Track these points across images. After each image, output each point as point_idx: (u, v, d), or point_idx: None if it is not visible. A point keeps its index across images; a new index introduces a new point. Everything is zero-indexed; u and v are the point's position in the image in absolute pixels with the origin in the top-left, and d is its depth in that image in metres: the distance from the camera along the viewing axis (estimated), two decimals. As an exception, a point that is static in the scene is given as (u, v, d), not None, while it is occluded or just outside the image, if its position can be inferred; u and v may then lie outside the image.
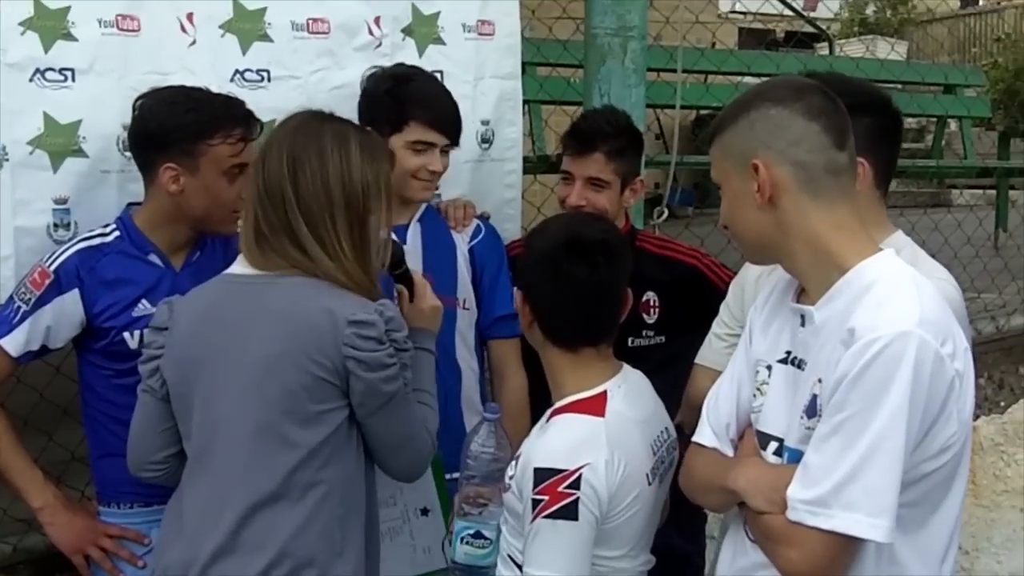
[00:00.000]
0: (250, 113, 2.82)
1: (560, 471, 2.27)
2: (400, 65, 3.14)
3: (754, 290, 2.59)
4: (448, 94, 3.08)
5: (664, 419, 2.53)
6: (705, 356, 2.79)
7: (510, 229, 3.56)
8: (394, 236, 3.05)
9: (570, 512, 2.25)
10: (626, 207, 3.28)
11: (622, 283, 2.48)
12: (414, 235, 3.10)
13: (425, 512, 2.91)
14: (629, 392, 2.45)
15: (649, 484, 2.39)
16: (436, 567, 2.87)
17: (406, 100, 2.98)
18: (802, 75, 2.35)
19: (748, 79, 6.09)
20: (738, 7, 14.02)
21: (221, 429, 2.39)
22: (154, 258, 2.82)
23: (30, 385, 3.17)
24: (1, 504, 3.36)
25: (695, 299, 3.17)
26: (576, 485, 2.26)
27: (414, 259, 3.05)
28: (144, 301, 2.77)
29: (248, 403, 2.36)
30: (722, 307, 2.81)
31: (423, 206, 3.14)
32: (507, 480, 2.42)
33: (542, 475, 2.27)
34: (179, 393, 2.45)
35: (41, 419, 3.50)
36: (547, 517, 2.26)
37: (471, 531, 2.51)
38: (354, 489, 2.42)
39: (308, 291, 2.39)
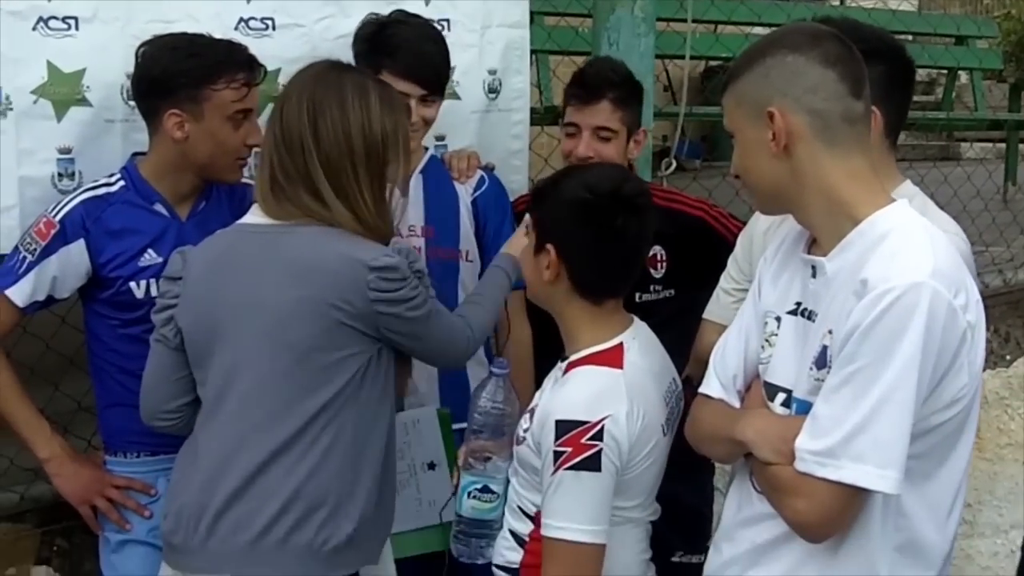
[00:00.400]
0: (253, 58, 2.80)
1: (582, 423, 2.27)
2: (397, 11, 3.09)
3: (762, 243, 2.57)
4: (430, 42, 3.00)
5: (672, 371, 2.53)
6: (713, 311, 2.78)
7: (517, 180, 3.54)
8: None
9: (593, 463, 2.26)
10: (630, 159, 3.23)
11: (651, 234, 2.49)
12: (416, 186, 3.07)
13: (432, 466, 2.91)
14: (643, 344, 2.45)
15: (664, 435, 2.40)
16: (439, 521, 2.87)
17: (379, 49, 2.94)
18: (816, 21, 2.32)
19: (759, 29, 6.03)
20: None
21: (238, 375, 2.41)
22: (160, 207, 2.81)
23: (36, 335, 3.16)
24: (7, 454, 3.36)
25: (703, 252, 3.14)
26: (599, 436, 2.26)
27: (416, 210, 3.05)
28: (150, 251, 2.76)
29: (266, 349, 2.39)
30: (730, 261, 2.79)
31: (426, 157, 3.12)
32: (521, 433, 2.42)
33: (564, 427, 2.27)
34: (194, 340, 2.48)
35: (47, 369, 3.50)
36: (570, 469, 2.26)
37: (478, 485, 2.52)
38: (370, 429, 2.45)
39: (324, 239, 2.41)
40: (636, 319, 2.52)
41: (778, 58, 2.05)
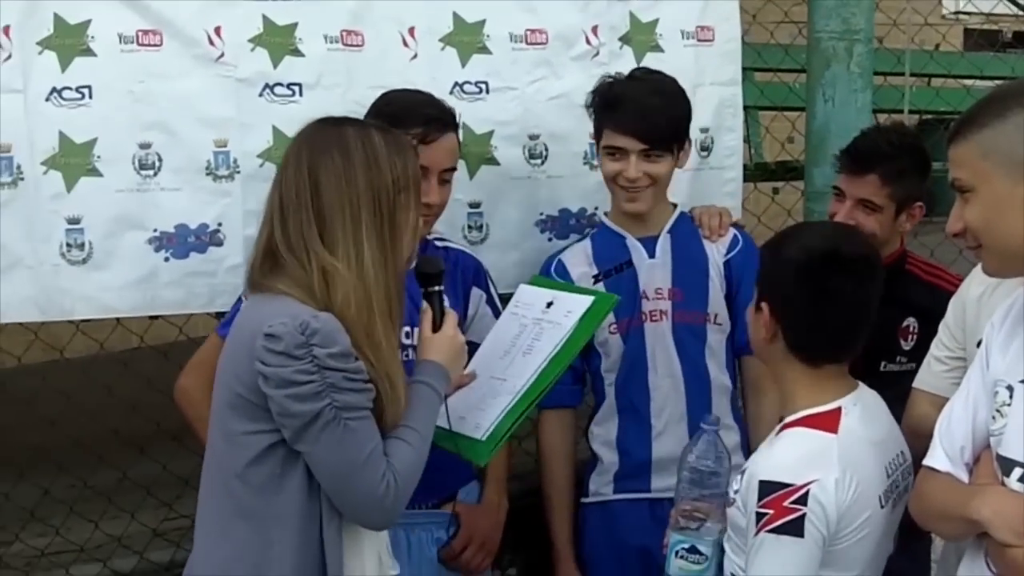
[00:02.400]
0: (437, 117, 2.80)
1: (786, 485, 2.20)
2: (637, 68, 3.10)
3: (976, 309, 2.47)
4: (658, 95, 2.95)
5: (900, 442, 2.42)
6: (924, 380, 2.63)
7: (729, 238, 3.49)
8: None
9: (795, 528, 2.18)
10: (901, 231, 3.10)
11: (877, 301, 2.38)
12: (663, 247, 3.03)
13: (549, 304, 2.65)
14: (865, 411, 2.36)
15: (881, 507, 2.30)
16: (583, 310, 2.58)
17: (600, 105, 2.95)
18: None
19: (979, 83, 5.82)
20: (965, 7, 13.48)
21: None
22: None
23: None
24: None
25: None
26: (803, 501, 2.19)
27: (662, 271, 3.01)
28: None
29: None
30: (941, 327, 2.65)
31: (675, 215, 3.07)
32: (732, 494, 2.36)
33: (767, 488, 2.21)
34: None
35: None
36: (771, 531, 2.20)
37: (686, 545, 2.45)
38: (290, 529, 2.15)
39: (259, 304, 2.20)
40: (862, 385, 2.42)
41: None
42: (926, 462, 2.16)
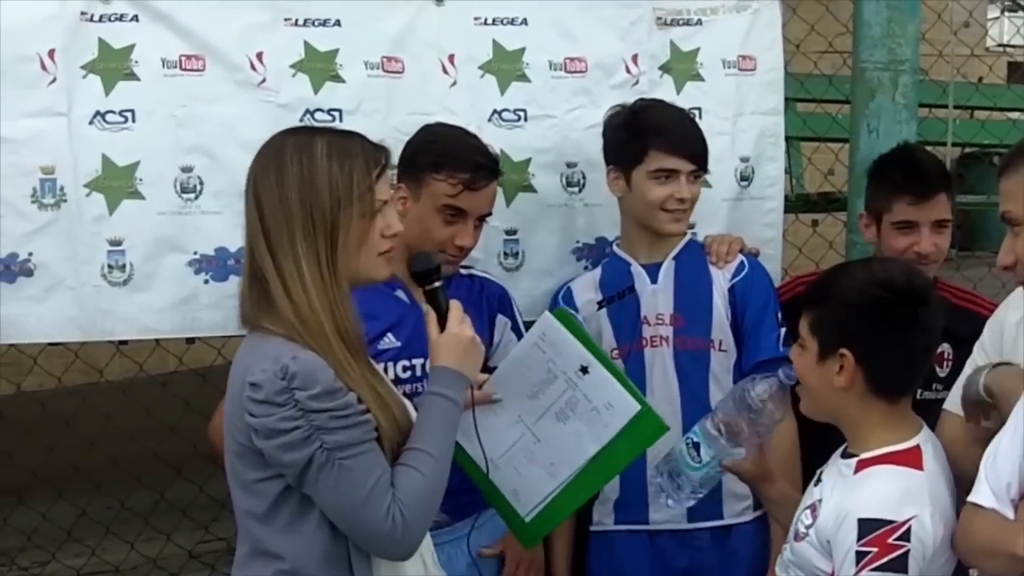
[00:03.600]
0: (485, 165, 2.82)
1: (889, 522, 2.16)
2: (640, 100, 3.09)
3: (1014, 334, 2.42)
4: (689, 118, 3.02)
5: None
6: (955, 402, 2.53)
7: (771, 270, 3.43)
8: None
9: (900, 564, 2.14)
10: None
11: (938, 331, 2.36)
12: (666, 273, 3.03)
13: (584, 370, 2.59)
14: (935, 448, 2.32)
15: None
16: (629, 416, 2.55)
17: (643, 129, 2.94)
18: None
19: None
20: (1011, 39, 13.38)
21: None
22: (400, 293, 2.86)
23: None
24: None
25: None
26: (906, 537, 2.15)
27: (664, 297, 3.01)
28: (390, 335, 2.83)
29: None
30: (976, 348, 2.60)
31: (682, 242, 3.07)
32: (802, 529, 2.31)
33: (869, 526, 2.16)
34: None
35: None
36: (875, 570, 2.15)
37: (695, 440, 2.51)
38: (318, 563, 2.09)
39: (247, 349, 2.13)
40: (923, 422, 2.38)
41: None
42: (971, 499, 2.13)
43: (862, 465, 2.28)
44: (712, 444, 2.49)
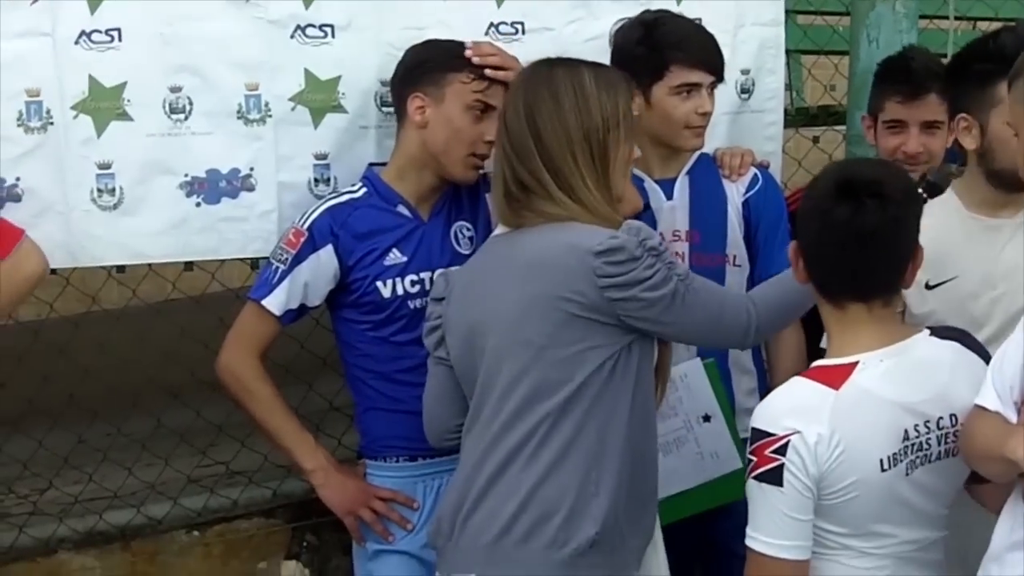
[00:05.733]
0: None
1: (769, 434, 2.16)
2: (646, 12, 3.03)
3: None
4: (704, 29, 2.96)
5: (950, 406, 2.24)
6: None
7: (770, 184, 3.42)
8: (658, 189, 2.98)
9: (775, 477, 2.14)
10: (949, 148, 3.05)
11: (900, 232, 2.23)
12: (681, 188, 3.00)
13: (707, 419, 2.84)
14: (899, 368, 2.22)
15: (883, 470, 2.17)
16: (727, 470, 2.83)
17: (662, 44, 2.88)
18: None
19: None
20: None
21: (489, 381, 2.43)
22: (403, 209, 2.84)
23: (292, 336, 3.25)
24: (262, 451, 3.48)
25: None
26: (782, 451, 2.14)
27: (680, 214, 2.98)
28: (395, 250, 2.80)
29: (507, 352, 2.39)
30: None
31: (694, 156, 3.03)
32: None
33: (756, 435, 2.18)
34: (459, 357, 2.51)
35: (301, 369, 3.61)
36: (754, 479, 2.17)
37: None
38: (616, 425, 2.38)
39: (552, 233, 2.39)
40: (917, 339, 2.28)
41: None
42: (976, 401, 2.12)
43: (797, 375, 2.28)
44: None
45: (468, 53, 2.79)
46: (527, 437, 2.36)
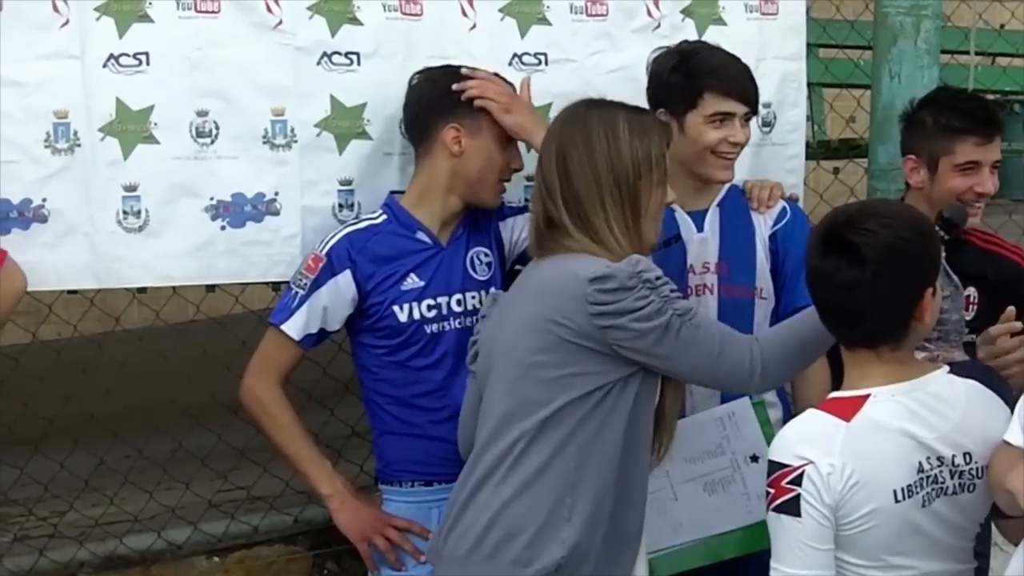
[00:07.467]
0: None
1: (784, 465, 2.17)
2: (685, 42, 3.06)
3: None
4: (739, 60, 2.96)
5: (962, 443, 2.22)
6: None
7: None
8: (689, 220, 2.98)
9: (792, 507, 2.16)
10: None
11: (884, 286, 2.16)
12: (712, 220, 3.00)
13: (755, 459, 2.80)
14: (911, 403, 2.21)
15: (897, 502, 2.17)
16: None
17: (697, 72, 2.89)
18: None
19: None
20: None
21: (486, 401, 2.51)
22: (422, 235, 2.87)
23: (314, 361, 3.26)
24: (283, 476, 3.48)
25: (1015, 299, 2.91)
26: (797, 481, 2.15)
27: (711, 246, 2.99)
28: (413, 275, 2.83)
29: (500, 372, 2.46)
30: None
31: (725, 188, 3.03)
32: None
33: (772, 467, 2.20)
34: (482, 373, 2.57)
35: (323, 394, 3.62)
36: (773, 510, 2.19)
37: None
38: (602, 457, 2.40)
39: (563, 263, 2.44)
40: (938, 375, 2.27)
41: None
42: (1005, 437, 2.13)
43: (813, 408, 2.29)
44: None
45: (456, 86, 2.85)
46: (504, 454, 2.41)
